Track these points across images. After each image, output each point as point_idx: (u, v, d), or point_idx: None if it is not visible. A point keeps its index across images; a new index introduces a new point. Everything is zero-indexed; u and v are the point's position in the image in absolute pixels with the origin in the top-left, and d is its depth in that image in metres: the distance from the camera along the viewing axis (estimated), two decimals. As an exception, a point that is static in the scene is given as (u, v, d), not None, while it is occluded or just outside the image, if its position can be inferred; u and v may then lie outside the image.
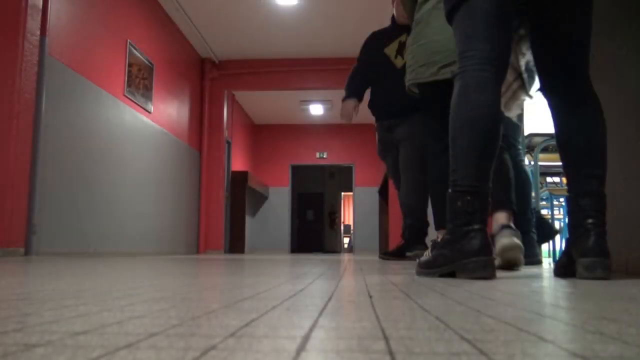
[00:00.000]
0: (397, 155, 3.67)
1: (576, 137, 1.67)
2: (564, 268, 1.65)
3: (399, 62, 3.46)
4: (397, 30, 3.59)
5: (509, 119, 2.50)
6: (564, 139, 1.70)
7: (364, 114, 12.55)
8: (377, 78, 3.64)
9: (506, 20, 1.62)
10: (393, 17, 3.68)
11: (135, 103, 5.45)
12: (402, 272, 1.85)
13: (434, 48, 2.31)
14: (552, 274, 1.82)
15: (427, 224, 3.63)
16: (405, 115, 3.52)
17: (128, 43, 5.28)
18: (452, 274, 1.51)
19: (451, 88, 1.78)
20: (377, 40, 3.67)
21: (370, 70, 3.68)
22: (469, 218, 1.48)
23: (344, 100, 3.75)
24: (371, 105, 3.72)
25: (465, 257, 1.46)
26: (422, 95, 2.43)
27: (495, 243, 2.14)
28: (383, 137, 3.72)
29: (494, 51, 1.59)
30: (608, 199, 1.51)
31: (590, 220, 1.56)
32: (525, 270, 2.19)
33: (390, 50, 3.55)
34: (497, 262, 2.04)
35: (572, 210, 1.61)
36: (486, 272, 1.44)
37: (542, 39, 1.77)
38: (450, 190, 1.55)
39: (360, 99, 3.73)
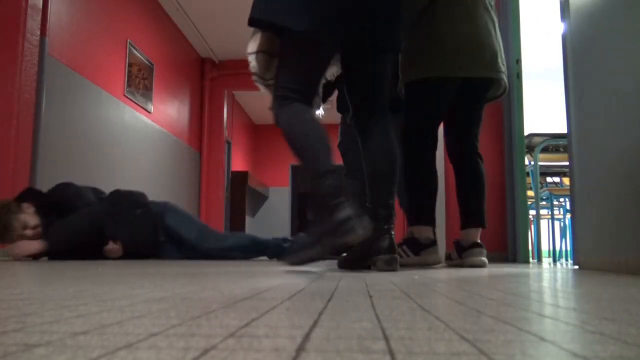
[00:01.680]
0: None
1: (370, 163, 2.02)
2: (353, 262, 1.97)
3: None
4: None
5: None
6: (365, 163, 2.04)
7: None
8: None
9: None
10: None
11: (135, 103, 5.45)
12: (402, 272, 1.85)
13: (451, 45, 2.33)
14: (561, 272, 1.82)
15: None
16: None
17: (128, 43, 5.28)
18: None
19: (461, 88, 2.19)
20: None
21: None
22: (335, 193, 1.72)
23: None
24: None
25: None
26: (415, 92, 2.46)
27: (463, 257, 2.45)
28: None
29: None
30: (608, 199, 1.52)
31: (386, 226, 1.91)
32: (525, 270, 2.20)
33: None
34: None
35: (371, 218, 1.87)
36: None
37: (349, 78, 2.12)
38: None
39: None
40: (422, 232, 2.45)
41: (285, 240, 3.42)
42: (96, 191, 3.27)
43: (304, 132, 1.87)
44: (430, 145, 2.59)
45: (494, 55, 2.46)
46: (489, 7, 2.52)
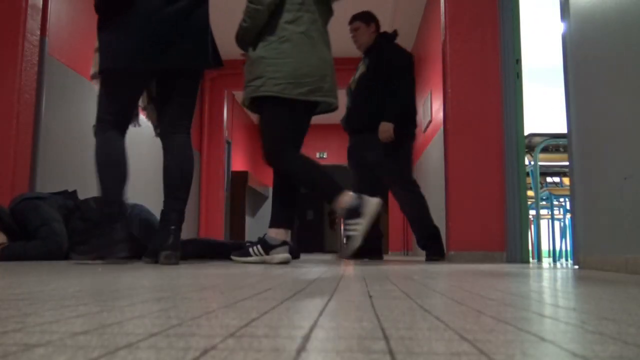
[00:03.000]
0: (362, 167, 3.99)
1: (169, 170, 2.48)
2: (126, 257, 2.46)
3: (352, 86, 4.04)
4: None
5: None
6: (165, 174, 2.49)
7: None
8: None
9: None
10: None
11: (135, 103, 5.45)
12: (402, 272, 1.85)
13: (303, 70, 2.65)
14: (559, 273, 1.82)
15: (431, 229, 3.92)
16: (361, 131, 3.96)
17: (128, 43, 5.27)
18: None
19: (308, 107, 2.71)
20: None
21: None
22: (111, 220, 2.38)
23: None
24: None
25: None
26: (263, 107, 2.77)
27: (270, 254, 2.78)
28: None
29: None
30: (608, 199, 1.53)
31: (172, 227, 2.38)
32: (525, 270, 2.19)
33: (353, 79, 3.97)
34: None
35: (161, 219, 2.43)
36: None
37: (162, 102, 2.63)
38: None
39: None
40: (276, 234, 2.76)
41: (244, 242, 3.48)
42: (67, 196, 3.26)
43: (104, 162, 2.38)
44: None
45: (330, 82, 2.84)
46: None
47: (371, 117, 3.84)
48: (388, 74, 3.84)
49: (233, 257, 2.89)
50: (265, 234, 2.82)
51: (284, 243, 2.74)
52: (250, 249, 2.80)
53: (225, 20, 6.79)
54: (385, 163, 3.83)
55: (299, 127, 2.83)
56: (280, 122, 2.75)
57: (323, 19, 2.81)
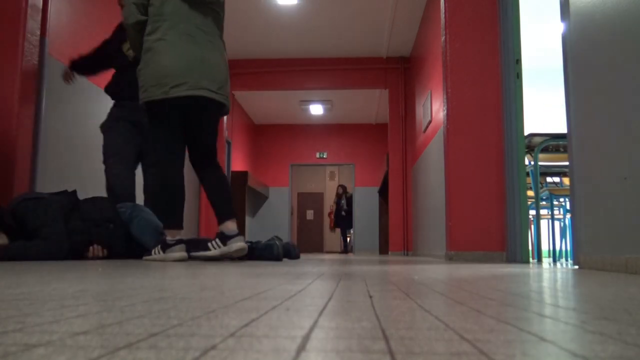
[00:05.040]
0: (125, 134, 3.78)
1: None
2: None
3: (130, 55, 3.77)
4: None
5: None
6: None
7: (362, 114, 12.39)
8: (112, 64, 3.87)
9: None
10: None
11: (135, 103, 5.45)
12: (402, 272, 1.85)
13: (163, 72, 2.81)
14: (553, 274, 1.82)
15: None
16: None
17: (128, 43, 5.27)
18: None
19: (180, 103, 2.85)
20: (118, 34, 3.82)
21: (106, 53, 3.85)
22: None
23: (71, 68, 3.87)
24: (110, 89, 3.88)
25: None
26: (152, 111, 2.90)
27: (227, 244, 2.97)
28: (117, 114, 3.81)
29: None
30: (608, 199, 1.53)
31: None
32: (525, 270, 2.20)
33: (126, 44, 3.75)
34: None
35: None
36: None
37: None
38: None
39: (79, 73, 3.90)
40: (171, 234, 2.91)
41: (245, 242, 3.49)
42: (67, 196, 3.25)
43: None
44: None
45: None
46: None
47: None
48: None
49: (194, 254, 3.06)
50: (221, 232, 2.99)
51: (180, 241, 2.91)
52: (209, 243, 3.04)
53: (225, 20, 6.79)
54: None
55: (177, 129, 2.96)
56: (159, 126, 2.92)
57: (201, 20, 2.93)
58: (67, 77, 3.82)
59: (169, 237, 2.91)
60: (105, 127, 3.80)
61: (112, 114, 3.83)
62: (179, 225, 2.95)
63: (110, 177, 3.67)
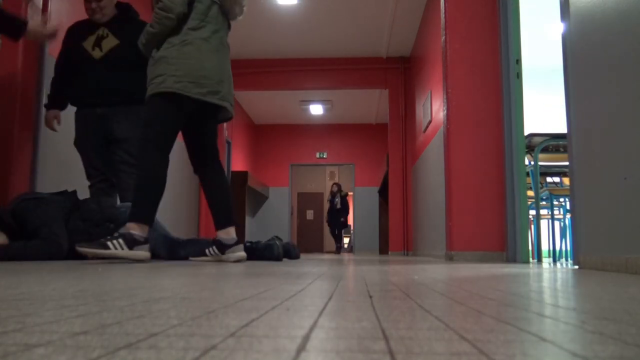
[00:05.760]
0: (100, 150, 3.58)
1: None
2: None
3: (96, 54, 3.53)
4: (94, 25, 3.59)
5: None
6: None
7: (362, 114, 12.37)
8: (76, 70, 3.59)
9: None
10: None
11: (135, 103, 5.44)
12: (402, 272, 1.85)
13: (203, 72, 2.79)
14: (553, 274, 1.82)
15: None
16: (112, 105, 3.53)
17: (128, 43, 5.27)
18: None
19: (203, 108, 2.90)
20: (75, 35, 3.63)
21: (69, 62, 3.61)
22: None
23: (47, 108, 3.64)
24: (71, 95, 3.61)
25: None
26: (169, 104, 2.80)
27: (226, 253, 2.97)
28: (87, 129, 3.57)
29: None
30: (608, 199, 1.53)
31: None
32: (525, 270, 2.20)
33: (88, 43, 3.56)
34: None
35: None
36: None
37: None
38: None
39: (62, 107, 3.63)
40: (137, 229, 2.74)
41: (246, 242, 3.48)
42: (67, 196, 3.25)
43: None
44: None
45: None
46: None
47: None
48: None
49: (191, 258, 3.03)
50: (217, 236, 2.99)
51: (147, 240, 2.76)
52: (207, 250, 3.03)
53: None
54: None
55: (178, 126, 2.92)
56: (166, 118, 2.84)
57: (224, 31, 2.99)
58: (49, 123, 3.58)
59: (140, 232, 2.74)
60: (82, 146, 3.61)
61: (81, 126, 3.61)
62: (152, 221, 2.84)
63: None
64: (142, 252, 2.71)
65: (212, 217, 3.01)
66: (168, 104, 2.80)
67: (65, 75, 3.60)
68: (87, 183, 3.67)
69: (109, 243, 2.63)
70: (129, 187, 3.50)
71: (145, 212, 2.78)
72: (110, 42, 3.55)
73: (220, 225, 2.98)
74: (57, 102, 3.60)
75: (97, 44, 3.57)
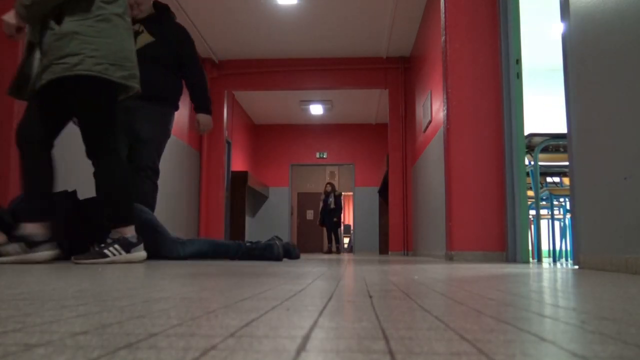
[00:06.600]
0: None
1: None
2: None
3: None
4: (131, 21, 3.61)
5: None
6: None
7: (362, 114, 12.38)
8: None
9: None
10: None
11: (135, 103, 5.44)
12: (402, 272, 1.85)
13: (124, 54, 2.53)
14: (552, 274, 1.82)
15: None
16: (138, 100, 3.39)
17: (128, 43, 5.26)
18: None
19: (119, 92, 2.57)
20: None
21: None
22: None
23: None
24: None
25: None
26: (100, 90, 2.50)
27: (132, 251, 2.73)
28: None
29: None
30: (608, 199, 1.53)
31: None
32: (525, 270, 2.20)
33: None
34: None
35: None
36: None
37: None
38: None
39: None
40: (128, 232, 2.66)
41: (246, 242, 3.48)
42: (67, 196, 3.25)
43: None
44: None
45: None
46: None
47: None
48: None
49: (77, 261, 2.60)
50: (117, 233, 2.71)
51: (45, 241, 2.56)
52: (106, 250, 2.63)
53: (224, 20, 6.80)
54: None
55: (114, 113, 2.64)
56: (107, 107, 2.56)
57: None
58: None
59: (132, 234, 2.65)
60: None
61: None
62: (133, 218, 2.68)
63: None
64: (140, 254, 2.68)
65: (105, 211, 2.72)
66: (98, 89, 2.49)
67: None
68: (88, 183, 3.66)
69: (106, 251, 2.57)
70: (147, 190, 3.53)
71: (126, 212, 2.66)
72: (145, 38, 3.57)
73: (116, 224, 2.66)
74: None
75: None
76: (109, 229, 2.67)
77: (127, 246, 2.64)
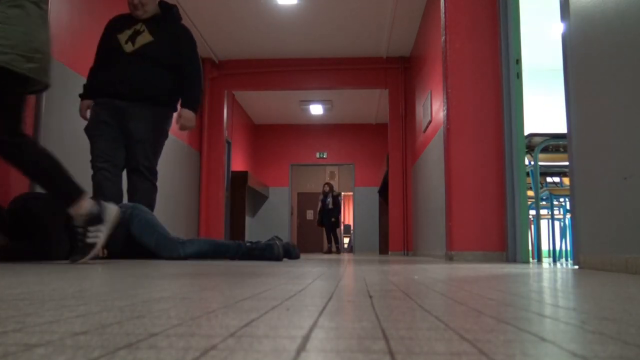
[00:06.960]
0: (109, 138, 3.52)
1: None
2: None
3: (128, 48, 3.50)
4: (134, 20, 3.61)
5: None
6: None
7: (362, 114, 12.37)
8: (105, 60, 3.57)
9: None
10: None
11: (135, 103, 5.44)
12: (402, 272, 1.85)
13: (34, 45, 2.31)
14: (552, 274, 1.82)
15: None
16: (132, 100, 3.51)
17: (128, 43, 5.27)
18: None
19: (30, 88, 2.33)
20: (113, 26, 3.66)
21: (103, 52, 3.62)
22: None
23: (81, 98, 3.64)
24: (94, 83, 3.57)
25: None
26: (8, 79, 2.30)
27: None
28: (99, 117, 3.52)
29: None
30: (608, 199, 1.54)
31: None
32: (525, 270, 2.20)
33: (123, 36, 3.55)
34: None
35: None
36: None
37: None
38: None
39: (95, 97, 3.60)
40: (84, 206, 2.48)
41: (246, 242, 3.48)
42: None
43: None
44: None
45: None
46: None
47: None
48: None
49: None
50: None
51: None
52: (87, 237, 2.47)
53: (224, 20, 6.80)
54: None
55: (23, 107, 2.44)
56: (17, 100, 2.38)
57: None
58: (82, 113, 3.62)
59: (89, 205, 2.46)
60: (91, 134, 3.56)
61: (90, 117, 3.60)
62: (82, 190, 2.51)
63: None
64: (111, 210, 2.51)
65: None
66: (8, 81, 2.30)
67: (101, 66, 3.62)
68: (87, 182, 3.66)
69: (89, 240, 2.44)
70: (146, 190, 3.53)
71: (67, 186, 2.46)
72: (145, 38, 3.55)
73: (68, 201, 2.49)
74: (91, 93, 3.63)
75: (132, 38, 3.57)
76: (69, 216, 2.49)
77: (97, 219, 2.47)
